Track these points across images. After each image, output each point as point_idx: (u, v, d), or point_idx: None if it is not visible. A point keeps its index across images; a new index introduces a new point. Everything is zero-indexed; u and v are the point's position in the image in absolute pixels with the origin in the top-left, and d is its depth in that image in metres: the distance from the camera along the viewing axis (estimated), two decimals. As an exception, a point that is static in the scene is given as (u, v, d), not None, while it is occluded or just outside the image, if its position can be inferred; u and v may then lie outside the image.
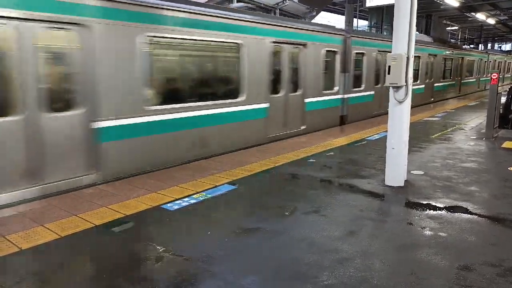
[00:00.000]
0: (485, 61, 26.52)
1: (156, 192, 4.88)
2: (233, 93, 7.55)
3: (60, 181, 5.08)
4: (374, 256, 3.28)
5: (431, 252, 3.35)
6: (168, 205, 4.45)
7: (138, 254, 3.34)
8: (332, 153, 7.10)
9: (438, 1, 20.13)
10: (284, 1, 13.24)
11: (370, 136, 8.69)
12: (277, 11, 13.36)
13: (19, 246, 3.42)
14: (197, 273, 3.01)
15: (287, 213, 4.23)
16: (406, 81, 4.98)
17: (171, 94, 6.51)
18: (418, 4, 5.06)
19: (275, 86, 8.48)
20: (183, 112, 6.52)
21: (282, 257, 3.28)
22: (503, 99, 9.14)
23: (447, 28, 32.78)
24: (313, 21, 14.74)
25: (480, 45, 40.39)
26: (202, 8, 6.76)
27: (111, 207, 4.36)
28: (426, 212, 4.27)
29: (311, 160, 6.55)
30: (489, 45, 46.61)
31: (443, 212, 4.29)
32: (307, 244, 3.49)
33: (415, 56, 15.41)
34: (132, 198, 4.66)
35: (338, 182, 5.35)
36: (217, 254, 3.30)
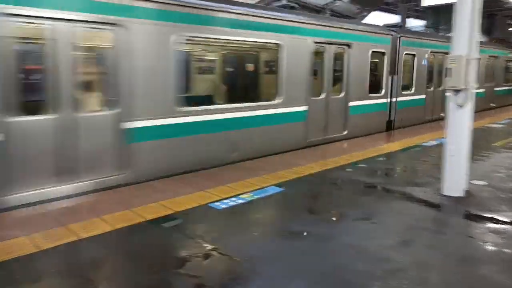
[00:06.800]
0: None
1: (204, 190, 4.96)
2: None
3: None
4: (430, 268, 3.08)
5: (494, 270, 3.08)
6: (216, 203, 4.50)
7: (186, 251, 3.39)
8: (382, 159, 6.83)
9: (502, 0, 18.74)
10: (335, 1, 12.98)
11: (425, 142, 8.25)
12: (327, 11, 13.09)
13: (79, 235, 3.62)
14: (243, 273, 3.00)
15: (334, 219, 4.11)
16: (467, 85, 4.66)
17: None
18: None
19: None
20: None
21: (330, 262, 3.18)
22: None
23: (509, 29, 30.37)
24: (364, 21, 14.27)
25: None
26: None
27: (162, 203, 4.49)
28: (488, 226, 3.95)
29: (361, 165, 6.34)
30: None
31: (508, 226, 3.94)
32: (357, 252, 3.36)
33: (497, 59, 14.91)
34: (181, 195, 4.76)
35: (390, 189, 5.12)
36: (263, 255, 3.28)
